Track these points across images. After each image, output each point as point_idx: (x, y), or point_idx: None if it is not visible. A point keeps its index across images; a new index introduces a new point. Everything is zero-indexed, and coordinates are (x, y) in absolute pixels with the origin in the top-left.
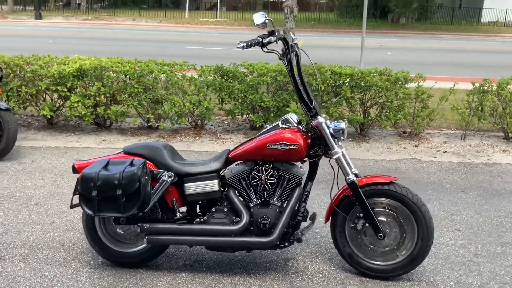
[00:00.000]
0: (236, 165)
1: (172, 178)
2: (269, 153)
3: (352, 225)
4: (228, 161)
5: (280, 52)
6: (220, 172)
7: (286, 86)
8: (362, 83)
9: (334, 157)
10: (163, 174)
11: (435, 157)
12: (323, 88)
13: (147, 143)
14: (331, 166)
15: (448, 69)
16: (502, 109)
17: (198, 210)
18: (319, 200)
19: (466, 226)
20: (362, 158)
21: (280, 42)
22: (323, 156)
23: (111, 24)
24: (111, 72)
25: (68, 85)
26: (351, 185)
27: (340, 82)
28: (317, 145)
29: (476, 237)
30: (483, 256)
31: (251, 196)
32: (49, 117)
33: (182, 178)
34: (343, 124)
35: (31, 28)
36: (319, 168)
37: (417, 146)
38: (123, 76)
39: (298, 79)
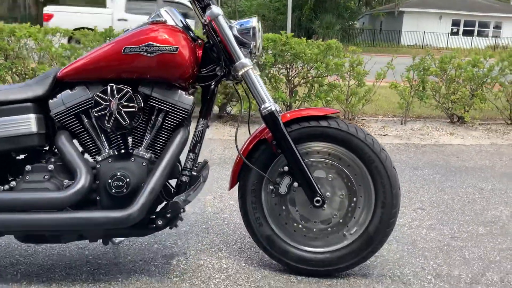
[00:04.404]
0: (71, 90)
1: None
2: (129, 65)
3: (272, 187)
4: (58, 85)
5: None
6: (49, 102)
7: None
8: (288, 54)
9: (241, 72)
10: None
11: None
12: None
13: None
14: (237, 92)
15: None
16: (445, 88)
17: (8, 172)
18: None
19: (430, 204)
20: None
21: None
22: (223, 80)
23: None
24: None
25: None
26: (269, 118)
27: None
28: (214, 61)
29: (447, 216)
30: (464, 239)
31: (99, 144)
32: None
33: None
34: (254, 21)
35: None
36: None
37: None
38: None
39: None
